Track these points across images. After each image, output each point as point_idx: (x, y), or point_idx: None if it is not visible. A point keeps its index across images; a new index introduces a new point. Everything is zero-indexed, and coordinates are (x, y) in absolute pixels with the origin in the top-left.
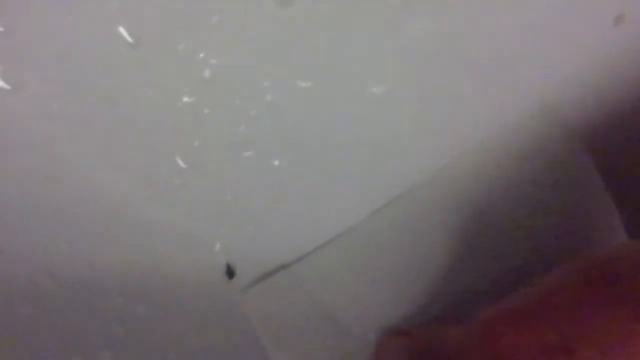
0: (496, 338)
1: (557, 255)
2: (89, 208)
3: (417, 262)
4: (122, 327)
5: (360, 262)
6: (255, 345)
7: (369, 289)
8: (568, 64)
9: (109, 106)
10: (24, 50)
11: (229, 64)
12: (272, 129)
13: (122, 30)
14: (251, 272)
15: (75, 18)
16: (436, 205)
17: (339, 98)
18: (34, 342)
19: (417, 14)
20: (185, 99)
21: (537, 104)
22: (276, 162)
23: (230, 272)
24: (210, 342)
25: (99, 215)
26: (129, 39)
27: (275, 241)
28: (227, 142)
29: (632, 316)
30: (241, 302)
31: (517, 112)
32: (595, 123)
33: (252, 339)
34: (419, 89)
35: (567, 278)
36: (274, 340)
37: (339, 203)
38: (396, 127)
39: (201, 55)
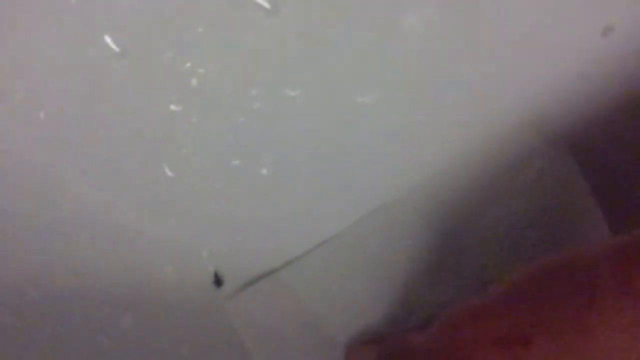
0: (455, 334)
1: None
2: (74, 217)
3: (401, 271)
4: (107, 337)
5: (345, 270)
6: (242, 352)
7: (354, 296)
8: (556, 74)
9: (96, 115)
10: (10, 59)
11: (216, 73)
12: (259, 137)
13: (108, 39)
14: (239, 279)
15: (61, 28)
16: (420, 214)
17: (325, 107)
18: (17, 353)
19: (404, 26)
20: (173, 107)
21: (524, 114)
22: (263, 171)
23: (218, 280)
24: (198, 350)
25: (85, 225)
26: (116, 49)
27: (263, 248)
28: (214, 151)
29: (587, 305)
30: (228, 309)
31: (503, 123)
32: (582, 132)
33: (239, 346)
34: (405, 99)
35: (528, 273)
36: (260, 346)
37: (324, 211)
38: (382, 136)
39: (188, 64)
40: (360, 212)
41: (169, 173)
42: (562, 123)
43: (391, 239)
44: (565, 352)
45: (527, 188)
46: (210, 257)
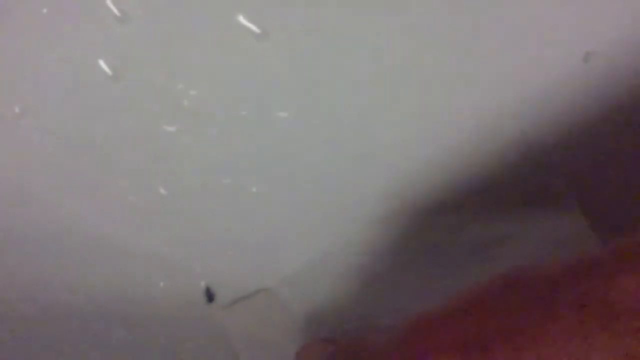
0: (413, 339)
1: None
2: (68, 234)
3: (392, 284)
4: (100, 352)
5: (337, 284)
6: None
7: (347, 311)
8: (537, 96)
9: (90, 136)
10: (2, 80)
11: (208, 95)
12: (250, 157)
13: (102, 63)
14: (230, 295)
15: (56, 51)
16: (410, 230)
17: (314, 128)
18: None
19: (391, 42)
20: (165, 128)
21: (510, 135)
22: (254, 189)
23: (210, 296)
24: None
25: (79, 241)
26: (109, 72)
27: (254, 264)
28: (206, 170)
29: (547, 315)
30: (221, 323)
31: (492, 143)
32: (568, 151)
33: (233, 359)
34: (395, 118)
35: (490, 281)
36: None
37: (315, 226)
38: (372, 155)
39: (180, 86)
40: (350, 227)
41: (163, 191)
42: (545, 144)
43: (380, 256)
44: None
45: (511, 208)
46: (202, 273)
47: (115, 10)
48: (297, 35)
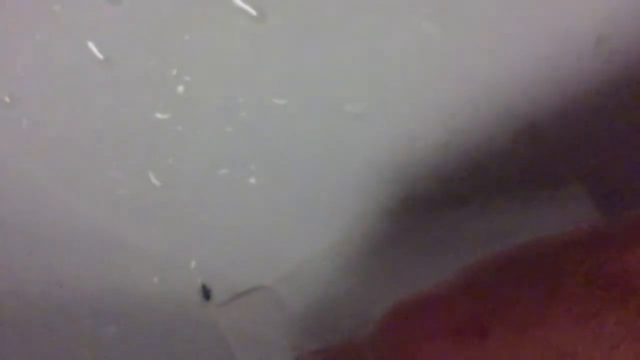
0: (403, 325)
1: None
2: (57, 226)
3: (394, 282)
4: (89, 349)
5: (336, 280)
6: None
7: (345, 309)
8: (545, 83)
9: (80, 123)
10: None
11: (203, 81)
12: (247, 146)
13: (91, 46)
14: (228, 292)
15: (43, 34)
16: (412, 225)
17: (314, 116)
18: None
19: (395, 29)
20: (159, 115)
21: (517, 126)
22: (252, 180)
23: (206, 293)
24: None
25: (69, 235)
26: (100, 56)
27: (252, 260)
28: (201, 160)
29: (551, 293)
30: (217, 320)
31: (497, 131)
32: (576, 136)
33: (229, 357)
34: (396, 107)
35: (487, 260)
36: (250, 358)
37: (315, 220)
38: (372, 146)
39: (174, 71)
40: (350, 222)
41: (156, 182)
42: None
43: (380, 250)
44: (524, 343)
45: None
46: (197, 269)
47: None
48: (296, 17)
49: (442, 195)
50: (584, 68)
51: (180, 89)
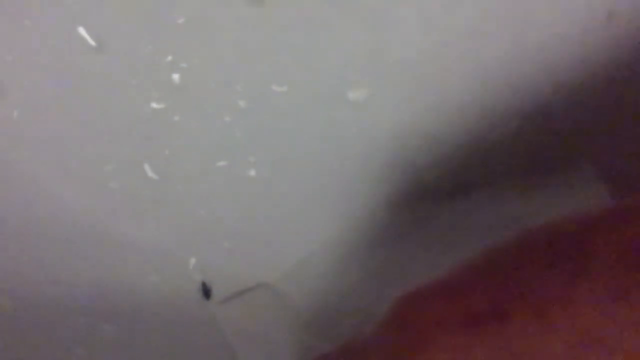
0: (412, 315)
1: None
2: (50, 222)
3: (401, 277)
4: (84, 348)
5: (341, 275)
6: None
7: (351, 305)
8: (558, 63)
9: (71, 113)
10: None
11: (200, 68)
12: (246, 136)
13: (82, 31)
14: (228, 289)
15: (31, 19)
16: (419, 217)
17: (315, 103)
18: None
19: (400, 14)
20: (154, 105)
21: (527, 108)
22: (252, 173)
23: (206, 291)
24: None
25: (62, 230)
26: (91, 42)
27: (254, 257)
28: (199, 151)
29: (577, 273)
30: (218, 319)
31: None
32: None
33: (230, 356)
34: (399, 94)
35: (506, 241)
36: (253, 357)
37: (319, 214)
38: (375, 135)
39: (169, 58)
40: (355, 215)
41: (151, 175)
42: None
43: (386, 243)
44: (548, 328)
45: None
46: (197, 266)
47: None
48: (296, 1)
49: (448, 185)
50: (595, 45)
51: (176, 76)
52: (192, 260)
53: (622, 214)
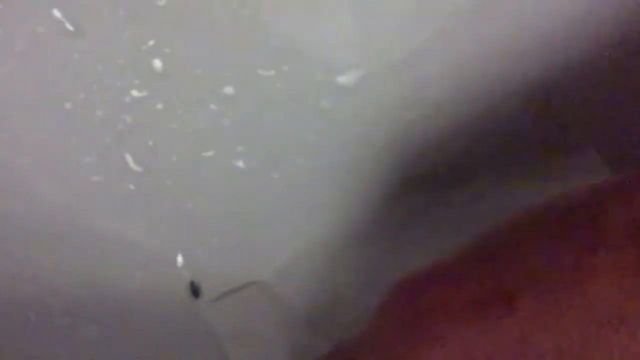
0: (409, 302)
1: None
2: (30, 217)
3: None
4: (65, 349)
5: (333, 272)
6: None
7: (347, 300)
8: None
9: (49, 103)
10: None
11: (183, 53)
12: (233, 125)
13: (58, 14)
14: (218, 288)
15: (3, 2)
16: (417, 207)
17: (304, 89)
18: None
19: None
20: (135, 93)
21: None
22: (240, 164)
23: (195, 290)
24: None
25: (43, 226)
26: (69, 27)
27: (244, 253)
28: (184, 142)
29: (590, 247)
30: (208, 319)
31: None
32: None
33: (220, 356)
34: (392, 76)
35: (509, 219)
36: (244, 356)
37: (313, 208)
38: (368, 121)
39: (150, 43)
40: (350, 207)
41: (135, 167)
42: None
43: (383, 236)
44: (560, 310)
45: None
46: (184, 263)
47: None
48: None
49: (448, 172)
50: (598, 23)
51: (158, 62)
52: (179, 257)
53: (635, 185)
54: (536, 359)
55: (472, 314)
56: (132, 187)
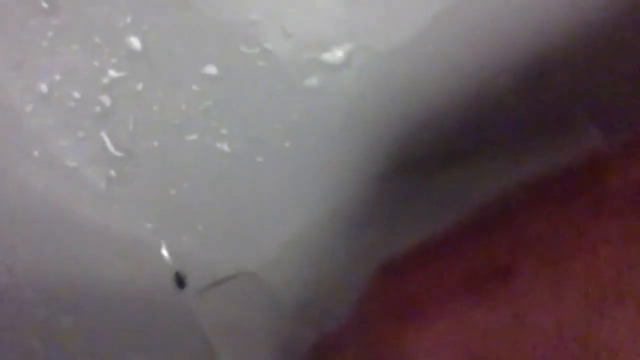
0: (399, 282)
1: None
2: (5, 206)
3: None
4: (41, 340)
5: (325, 262)
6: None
7: (338, 289)
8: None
9: (24, 84)
10: None
11: (162, 30)
12: (216, 106)
13: None
14: (204, 278)
15: None
16: (410, 192)
17: (291, 67)
18: None
19: None
20: (112, 73)
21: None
22: (225, 147)
23: (180, 281)
24: (155, 354)
25: (19, 214)
26: (44, 4)
27: (231, 241)
28: (166, 124)
29: (593, 211)
30: (194, 311)
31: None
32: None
33: (204, 347)
34: (382, 53)
35: (505, 188)
36: (230, 347)
37: (302, 194)
38: (358, 101)
39: (128, 20)
40: (341, 193)
41: (114, 151)
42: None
43: (373, 218)
44: (561, 279)
45: None
46: (169, 252)
47: None
48: None
49: (438, 155)
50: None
51: (137, 40)
52: (163, 246)
53: (637, 149)
54: (534, 337)
55: (464, 292)
56: (112, 172)
